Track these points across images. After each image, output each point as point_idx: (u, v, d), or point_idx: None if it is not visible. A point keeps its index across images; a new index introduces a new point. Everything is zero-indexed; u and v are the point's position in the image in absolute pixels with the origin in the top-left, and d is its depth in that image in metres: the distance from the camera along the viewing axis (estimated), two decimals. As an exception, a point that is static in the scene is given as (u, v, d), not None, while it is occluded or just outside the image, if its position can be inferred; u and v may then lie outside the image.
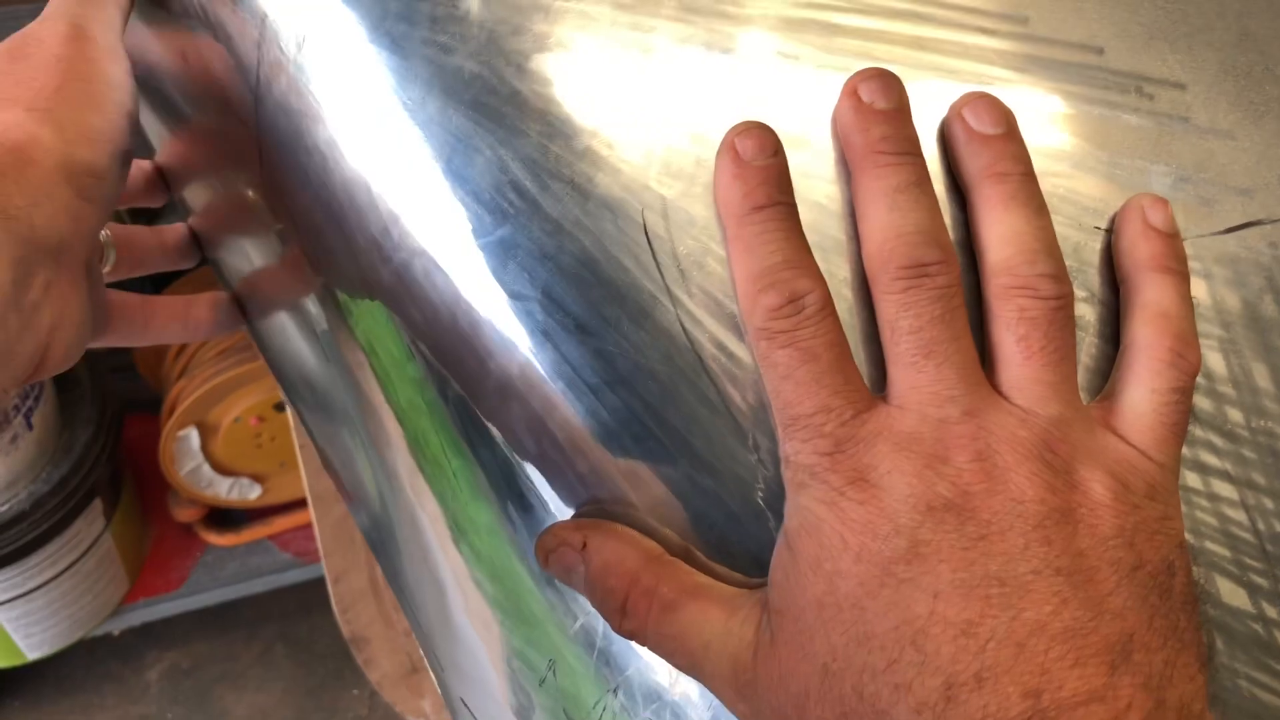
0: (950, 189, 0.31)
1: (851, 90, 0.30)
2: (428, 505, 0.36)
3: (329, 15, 0.33)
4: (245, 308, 0.46)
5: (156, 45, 0.39)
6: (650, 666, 0.32)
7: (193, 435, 1.17)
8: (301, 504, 1.34)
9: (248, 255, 0.42)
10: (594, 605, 0.31)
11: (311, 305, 0.38)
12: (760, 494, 0.30)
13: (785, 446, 0.28)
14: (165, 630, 1.50)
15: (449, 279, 0.32)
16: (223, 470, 1.24)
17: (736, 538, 0.30)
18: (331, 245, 0.35)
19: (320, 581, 1.47)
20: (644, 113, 0.31)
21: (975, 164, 0.29)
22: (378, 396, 0.36)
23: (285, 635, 1.56)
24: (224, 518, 1.36)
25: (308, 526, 1.36)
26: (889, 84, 0.30)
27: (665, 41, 0.31)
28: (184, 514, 1.31)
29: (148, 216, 1.10)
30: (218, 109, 0.37)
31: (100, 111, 0.34)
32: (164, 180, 0.46)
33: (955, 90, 0.31)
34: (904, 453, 0.27)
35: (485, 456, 0.33)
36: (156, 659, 1.53)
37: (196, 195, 0.44)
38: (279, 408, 1.18)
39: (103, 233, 0.41)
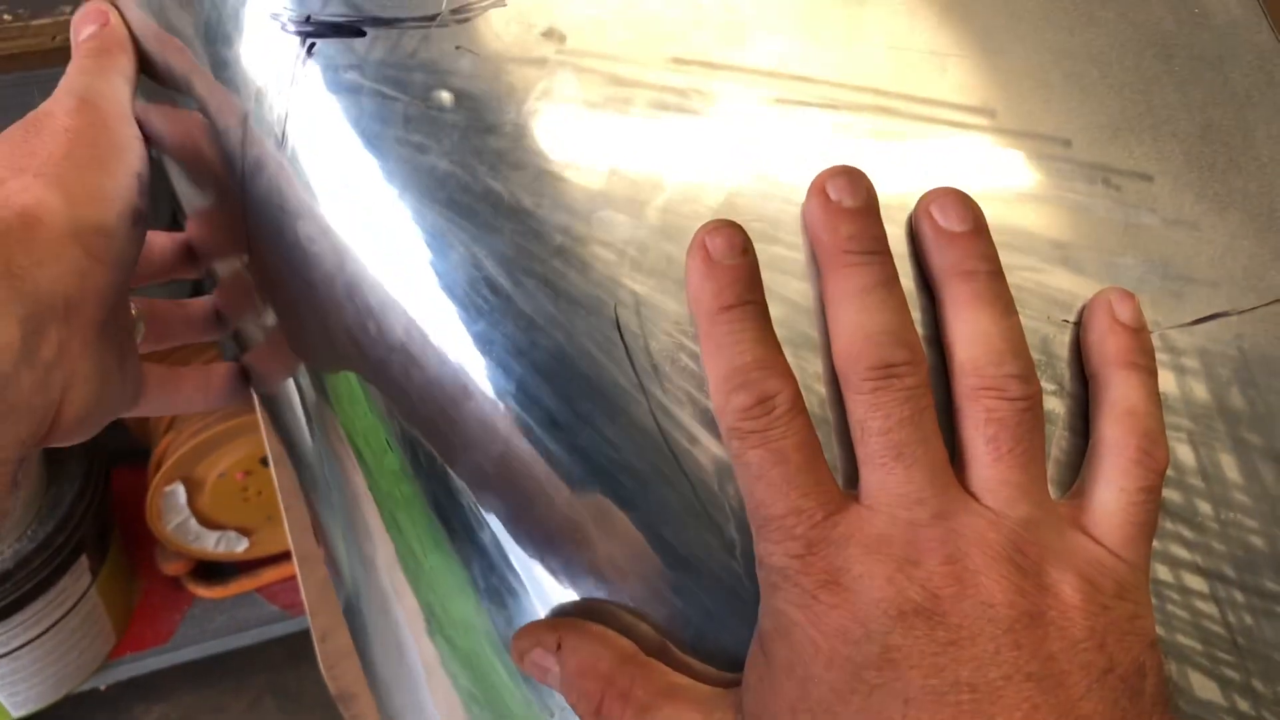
0: (919, 283, 0.31)
1: (819, 188, 0.30)
2: (404, 594, 0.36)
3: (307, 114, 0.33)
4: (253, 380, 0.46)
5: (167, 122, 0.40)
6: None
7: (179, 490, 1.17)
8: (288, 556, 1.33)
9: (251, 332, 0.42)
10: (571, 706, 0.31)
11: (303, 387, 0.38)
12: (737, 590, 0.30)
13: (759, 547, 0.28)
14: (153, 683, 1.49)
15: (426, 373, 0.32)
16: (210, 524, 1.23)
17: (713, 635, 0.30)
18: (313, 336, 0.35)
19: (308, 633, 1.46)
20: (614, 210, 0.31)
21: (943, 261, 0.30)
22: (360, 484, 0.36)
23: (274, 686, 1.55)
24: (211, 570, 1.35)
25: (295, 578, 1.35)
26: (856, 181, 0.30)
27: (635, 140, 0.32)
28: (171, 567, 1.30)
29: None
30: (214, 195, 0.38)
31: (107, 173, 0.36)
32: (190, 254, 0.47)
33: (923, 184, 0.31)
34: (875, 555, 0.27)
35: (463, 549, 0.33)
36: (145, 712, 1.51)
37: (215, 269, 0.44)
38: (265, 462, 1.17)
39: (133, 306, 0.42)
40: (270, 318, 0.38)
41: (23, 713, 1.25)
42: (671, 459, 0.30)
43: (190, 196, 0.42)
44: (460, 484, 0.33)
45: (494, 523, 0.32)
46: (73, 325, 0.34)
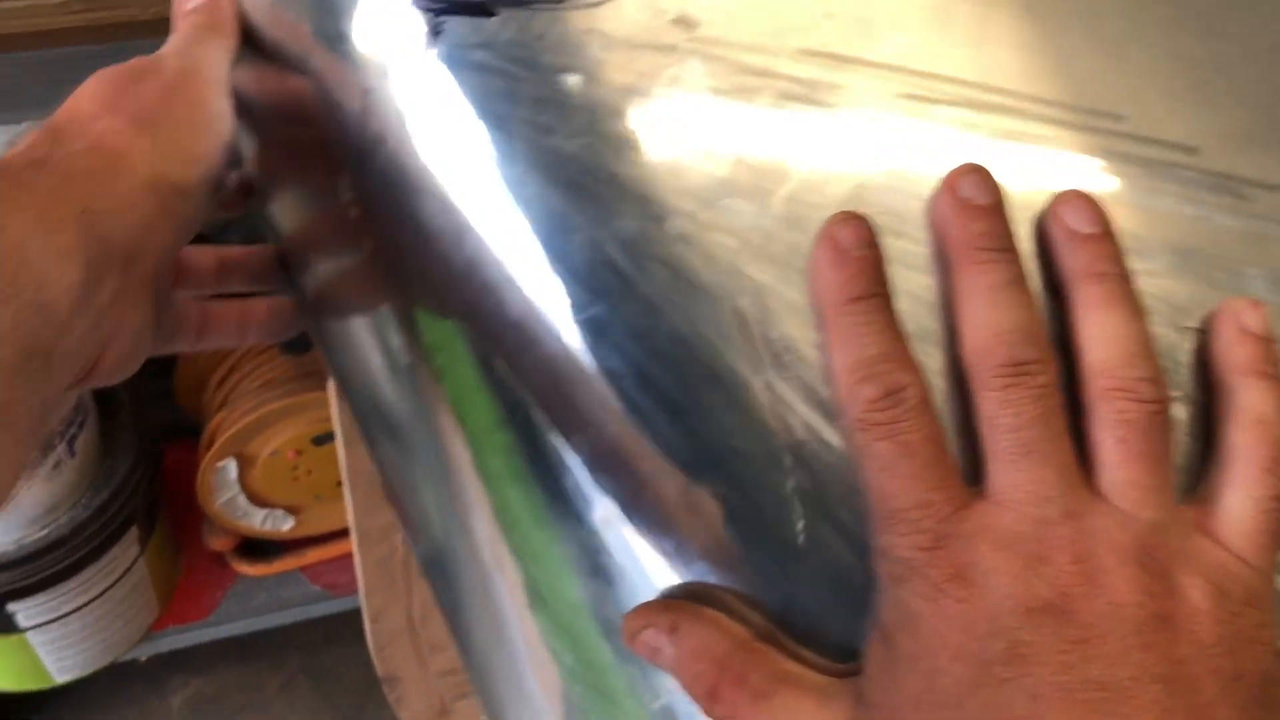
0: (1043, 284, 0.31)
1: (950, 185, 0.30)
2: (506, 569, 0.37)
3: (433, 91, 0.33)
4: (321, 335, 0.46)
5: (262, 81, 0.40)
6: None
7: (231, 466, 1.18)
8: (334, 537, 1.34)
9: (340, 296, 0.42)
10: (683, 688, 0.31)
11: (397, 353, 0.38)
12: (851, 580, 0.30)
13: (882, 539, 0.28)
14: (191, 657, 1.50)
15: (543, 352, 0.32)
16: (258, 501, 1.24)
17: (824, 625, 0.30)
18: (426, 310, 0.35)
19: (347, 615, 1.46)
20: (738, 198, 0.31)
21: (1073, 263, 0.30)
22: (464, 457, 0.37)
23: (309, 667, 1.56)
24: (256, 548, 1.36)
25: (339, 559, 1.36)
26: (986, 179, 0.30)
27: (761, 129, 0.32)
28: (217, 543, 1.31)
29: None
30: (319, 167, 0.38)
31: (198, 136, 0.36)
32: (247, 192, 0.47)
33: (1048, 186, 0.31)
34: (1003, 552, 0.27)
35: (571, 527, 0.33)
36: (181, 685, 1.53)
37: (288, 218, 0.44)
38: (317, 441, 1.18)
39: None
40: (368, 280, 0.39)
41: (66, 678, 1.27)
42: (788, 448, 0.30)
43: (265, 146, 0.42)
44: (571, 463, 0.33)
45: (605, 503, 0.32)
46: (129, 276, 0.34)
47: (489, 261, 0.33)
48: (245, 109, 0.40)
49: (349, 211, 0.37)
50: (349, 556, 1.38)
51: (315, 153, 0.38)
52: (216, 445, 1.15)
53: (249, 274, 0.47)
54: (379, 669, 0.90)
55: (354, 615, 1.46)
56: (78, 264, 0.32)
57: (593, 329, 0.32)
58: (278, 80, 0.39)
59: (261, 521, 1.27)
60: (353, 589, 1.38)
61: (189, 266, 0.45)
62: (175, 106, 0.36)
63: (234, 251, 0.46)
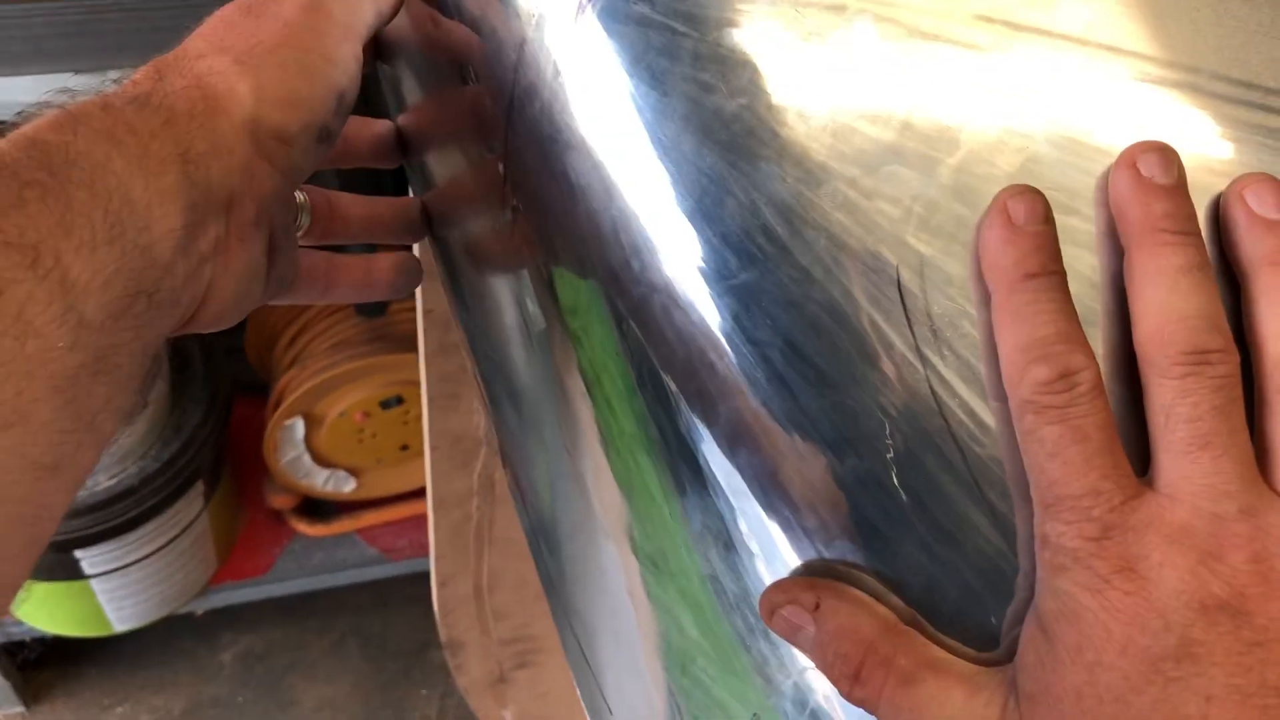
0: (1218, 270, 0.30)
1: (1130, 162, 0.29)
2: (626, 539, 0.36)
3: (589, 45, 0.32)
4: (461, 294, 0.45)
5: (416, 28, 0.39)
6: None
7: (298, 425, 1.18)
8: (393, 500, 1.35)
9: (479, 253, 0.41)
10: (822, 668, 0.30)
11: (535, 320, 0.38)
12: (1001, 568, 0.29)
13: (1045, 526, 0.27)
14: (244, 614, 1.51)
15: (688, 317, 0.32)
16: (322, 462, 1.25)
17: (972, 612, 0.29)
18: (570, 269, 0.34)
19: (398, 580, 1.47)
20: (904, 165, 0.30)
21: (1255, 250, 0.28)
22: (592, 424, 0.36)
23: (359, 630, 1.57)
24: (315, 508, 1.37)
25: (397, 523, 1.37)
26: (1169, 158, 0.29)
27: (931, 95, 0.30)
28: (278, 501, 1.32)
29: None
30: (469, 117, 0.38)
31: (306, 80, 0.35)
32: (401, 145, 0.46)
33: (1230, 169, 0.30)
34: (1176, 546, 0.26)
35: (703, 499, 0.33)
36: (232, 641, 1.54)
37: (435, 170, 0.43)
38: (385, 405, 1.18)
39: (300, 195, 0.41)
40: (510, 237, 0.38)
41: (124, 628, 1.28)
42: (944, 427, 0.29)
43: (421, 95, 0.41)
44: (707, 434, 0.32)
45: (743, 476, 0.32)
46: (230, 222, 0.34)
47: (638, 221, 0.32)
48: (397, 55, 0.39)
49: (497, 165, 0.36)
50: (406, 521, 1.39)
51: (467, 104, 0.38)
52: (285, 403, 1.16)
53: (396, 226, 0.46)
54: (442, 634, 0.90)
55: (406, 581, 1.47)
56: (180, 206, 0.31)
57: (742, 296, 0.31)
58: (432, 28, 0.38)
59: (324, 482, 1.27)
60: (409, 554, 1.39)
61: (341, 215, 0.44)
62: (285, 48, 0.35)
63: (383, 203, 0.45)
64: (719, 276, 0.31)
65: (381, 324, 1.17)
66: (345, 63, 0.36)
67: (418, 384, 0.75)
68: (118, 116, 0.31)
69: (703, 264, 0.31)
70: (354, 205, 0.44)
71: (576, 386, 0.36)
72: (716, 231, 0.31)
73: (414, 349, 0.71)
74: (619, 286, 0.33)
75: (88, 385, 0.29)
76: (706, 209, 0.31)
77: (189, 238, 0.32)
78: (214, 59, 0.34)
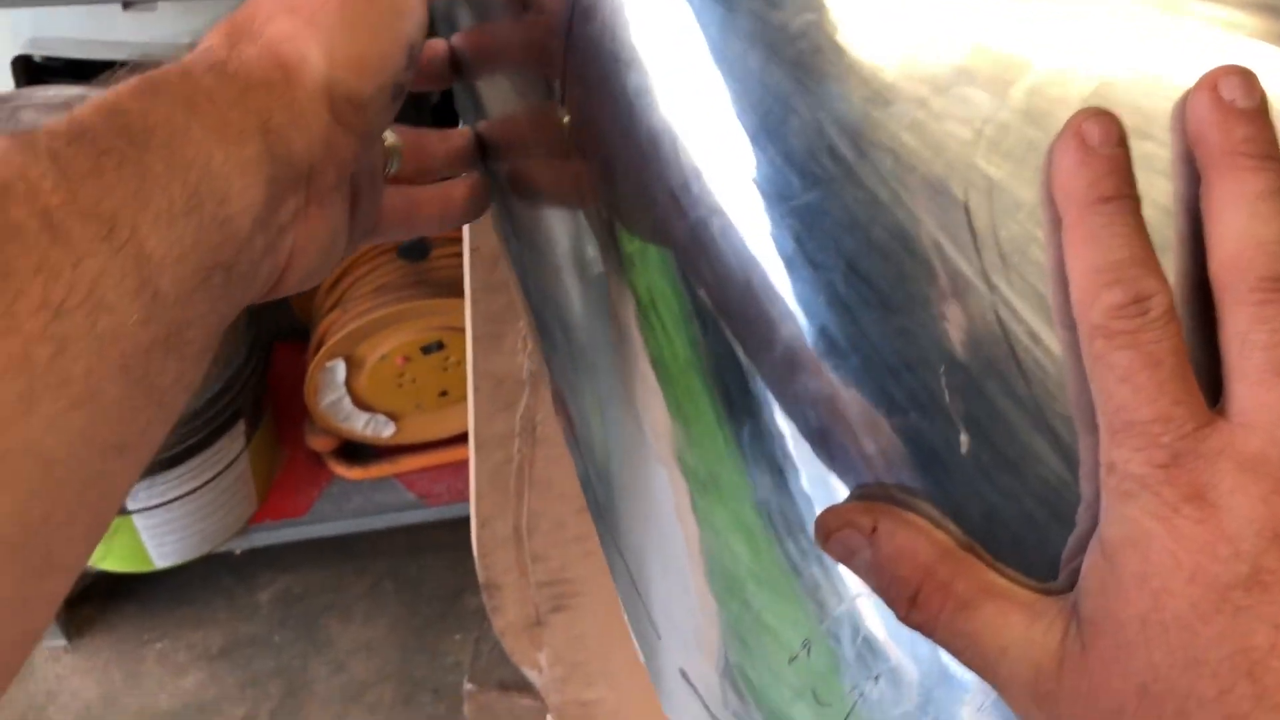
0: None
1: (1210, 85, 0.28)
2: (679, 466, 0.36)
3: (654, -42, 0.32)
4: (514, 226, 0.45)
5: None
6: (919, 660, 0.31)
7: (339, 367, 1.19)
8: (432, 446, 1.36)
9: (533, 178, 0.41)
10: (878, 592, 0.30)
11: (589, 247, 0.37)
12: (1064, 495, 0.28)
13: (1113, 453, 0.27)
14: (282, 555, 1.53)
15: (746, 240, 0.31)
16: (362, 405, 1.26)
17: (1031, 542, 0.29)
18: (627, 191, 0.34)
19: (435, 525, 1.48)
20: (975, 87, 0.29)
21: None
22: (644, 350, 0.36)
23: (395, 573, 1.58)
24: (354, 451, 1.38)
25: (436, 469, 1.38)
26: (1251, 82, 0.28)
27: (1005, 15, 0.30)
28: (317, 443, 1.33)
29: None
30: (525, 37, 0.37)
31: (376, 38, 0.34)
32: (454, 66, 0.45)
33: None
34: (1250, 474, 0.25)
35: (761, 426, 0.32)
36: (270, 581, 1.57)
37: (489, 96, 0.43)
38: (425, 350, 1.19)
39: (390, 136, 0.41)
40: (569, 168, 0.38)
41: (165, 564, 1.30)
42: (1009, 353, 0.29)
43: (477, 15, 0.41)
44: (762, 359, 0.32)
45: (800, 401, 0.31)
46: (310, 190, 0.33)
47: (698, 140, 0.32)
48: None
49: (554, 85, 0.36)
50: (444, 467, 1.39)
51: (523, 23, 0.37)
52: (327, 345, 1.16)
53: (469, 157, 0.45)
54: (480, 575, 0.90)
55: (443, 526, 1.49)
56: (261, 179, 0.31)
57: (805, 217, 0.30)
58: None
59: (364, 426, 1.28)
60: (446, 499, 1.40)
61: (430, 153, 0.43)
62: (354, 4, 0.34)
63: (457, 134, 0.45)
64: (781, 198, 0.31)
65: (424, 268, 1.17)
66: (412, 11, 0.35)
67: (459, 330, 0.75)
68: (196, 84, 0.31)
69: (765, 185, 0.31)
70: (440, 141, 0.44)
71: (631, 311, 0.36)
72: (780, 151, 0.30)
73: (456, 294, 0.71)
74: (679, 208, 0.33)
75: (160, 362, 0.28)
76: (770, 128, 0.30)
77: (269, 211, 0.31)
78: (283, 21, 0.33)
